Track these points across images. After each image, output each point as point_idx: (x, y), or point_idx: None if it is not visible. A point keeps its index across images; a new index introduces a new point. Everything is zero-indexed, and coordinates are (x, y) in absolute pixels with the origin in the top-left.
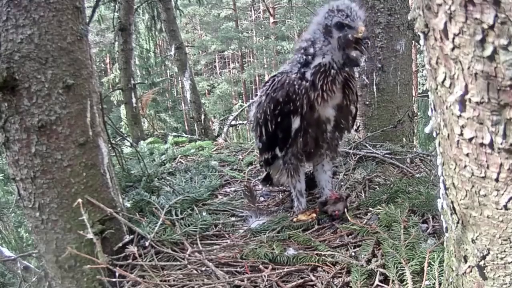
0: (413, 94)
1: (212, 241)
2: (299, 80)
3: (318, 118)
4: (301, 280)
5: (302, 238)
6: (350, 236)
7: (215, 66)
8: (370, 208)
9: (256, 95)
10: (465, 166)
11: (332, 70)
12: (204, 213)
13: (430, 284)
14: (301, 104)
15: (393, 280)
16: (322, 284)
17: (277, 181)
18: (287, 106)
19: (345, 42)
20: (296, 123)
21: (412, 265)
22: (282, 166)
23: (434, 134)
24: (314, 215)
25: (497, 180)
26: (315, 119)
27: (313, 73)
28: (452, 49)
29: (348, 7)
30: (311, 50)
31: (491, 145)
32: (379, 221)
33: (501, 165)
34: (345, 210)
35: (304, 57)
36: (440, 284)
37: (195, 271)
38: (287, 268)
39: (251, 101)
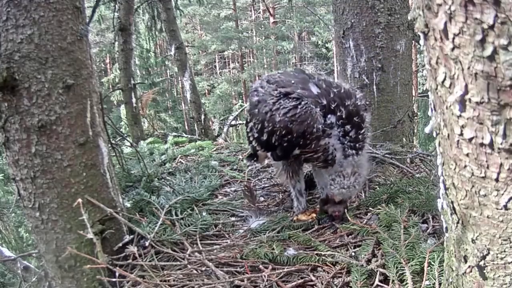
0: (413, 94)
1: (212, 241)
2: (319, 125)
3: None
4: (301, 280)
5: (302, 238)
6: (350, 236)
7: (215, 66)
8: (370, 208)
9: None
10: (465, 166)
11: None
12: (204, 213)
13: (430, 284)
14: (310, 143)
15: (393, 280)
16: (322, 284)
17: (262, 159)
18: (298, 140)
19: None
20: (297, 151)
21: (412, 265)
22: (281, 167)
23: (434, 134)
24: (314, 215)
25: (497, 180)
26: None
27: None
28: (452, 49)
29: None
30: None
31: (491, 145)
32: (379, 221)
33: (501, 165)
34: (345, 210)
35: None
36: (440, 284)
37: (195, 271)
38: (287, 268)
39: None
